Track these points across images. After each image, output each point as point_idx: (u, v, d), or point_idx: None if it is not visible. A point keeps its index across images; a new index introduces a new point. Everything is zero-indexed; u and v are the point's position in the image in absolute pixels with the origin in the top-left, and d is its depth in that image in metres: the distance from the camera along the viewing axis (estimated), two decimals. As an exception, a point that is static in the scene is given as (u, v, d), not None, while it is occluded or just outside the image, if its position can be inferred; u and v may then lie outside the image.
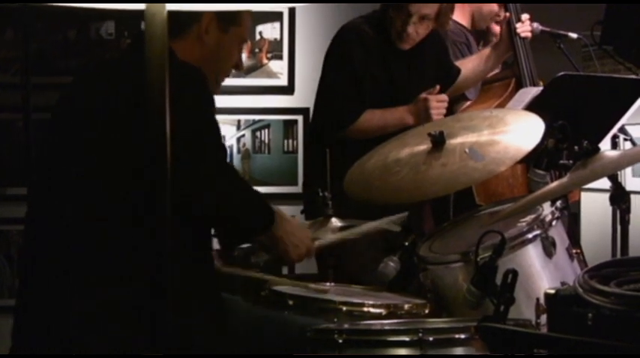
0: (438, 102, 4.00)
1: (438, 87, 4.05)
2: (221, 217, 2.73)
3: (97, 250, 2.54)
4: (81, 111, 2.68)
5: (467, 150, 3.02)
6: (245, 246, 3.77)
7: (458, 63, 4.49)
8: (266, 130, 5.63)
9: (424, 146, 3.13)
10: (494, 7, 4.81)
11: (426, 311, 2.88)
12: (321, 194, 3.36)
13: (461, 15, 4.78)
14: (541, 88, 4.04)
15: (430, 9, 4.05)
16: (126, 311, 2.48)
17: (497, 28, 4.82)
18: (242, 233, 2.88)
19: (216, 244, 3.03)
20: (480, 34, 4.95)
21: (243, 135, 5.59)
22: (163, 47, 1.64)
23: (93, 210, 2.56)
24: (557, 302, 2.30)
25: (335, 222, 3.37)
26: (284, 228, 2.85)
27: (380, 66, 4.12)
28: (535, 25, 4.52)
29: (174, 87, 2.43)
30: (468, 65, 4.49)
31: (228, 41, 2.79)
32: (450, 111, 4.29)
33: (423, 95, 4.01)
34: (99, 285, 2.52)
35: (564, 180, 2.90)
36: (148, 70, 1.63)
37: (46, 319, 2.56)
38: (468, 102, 4.56)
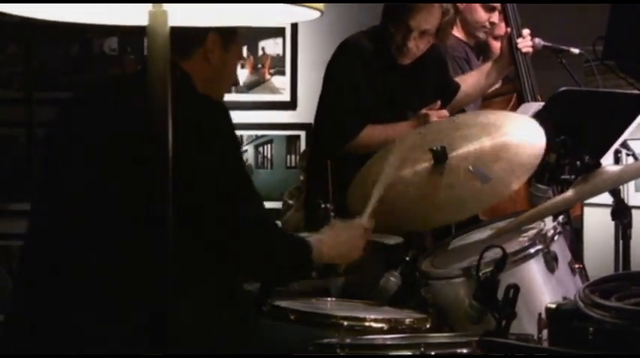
0: (438, 118, 4.00)
1: (439, 102, 4.06)
2: (263, 270, 2.83)
3: (99, 264, 2.56)
4: (86, 130, 2.70)
5: (471, 168, 3.03)
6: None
7: (458, 79, 4.50)
8: (269, 146, 5.65)
9: (426, 163, 3.14)
10: (481, 15, 4.81)
11: (428, 326, 2.88)
12: (323, 206, 3.37)
13: (458, 29, 4.79)
14: (542, 103, 4.04)
15: (430, 24, 4.06)
16: (126, 324, 2.49)
17: (496, 44, 4.82)
18: (285, 278, 3.01)
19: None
20: (479, 50, 4.95)
21: (246, 151, 5.60)
22: (165, 60, 1.65)
23: (98, 224, 2.58)
24: (558, 317, 2.30)
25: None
26: (324, 252, 2.89)
27: (380, 81, 4.13)
28: (537, 40, 4.53)
29: (202, 123, 2.49)
30: (469, 81, 4.50)
31: (229, 59, 2.91)
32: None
33: (424, 110, 4.02)
34: (101, 299, 2.54)
35: (566, 195, 2.90)
36: (150, 83, 1.64)
37: (44, 332, 2.57)
38: (469, 118, 4.57)
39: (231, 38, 2.89)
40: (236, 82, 3.07)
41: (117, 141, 2.60)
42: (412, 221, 3.18)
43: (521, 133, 3.16)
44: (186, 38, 2.77)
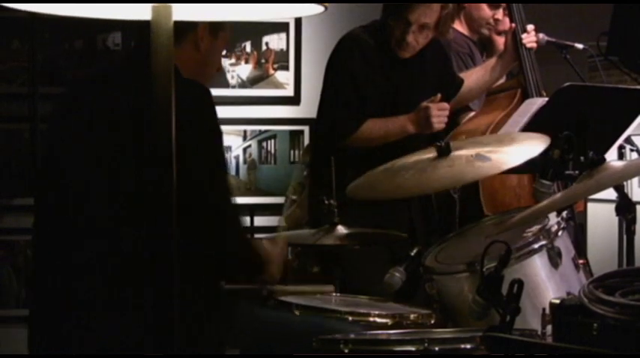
0: (439, 111, 4.00)
1: (439, 95, 4.06)
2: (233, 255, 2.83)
3: (105, 259, 2.57)
4: (83, 122, 2.71)
5: (473, 155, 3.02)
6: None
7: (462, 74, 4.50)
8: (272, 141, 5.64)
9: (430, 154, 3.14)
10: (486, 12, 4.80)
11: (432, 322, 2.88)
12: (326, 202, 3.37)
13: (461, 24, 4.79)
14: (547, 99, 4.03)
15: (429, 18, 4.05)
16: (136, 316, 2.50)
17: (499, 40, 4.81)
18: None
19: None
20: (482, 46, 4.95)
21: (250, 146, 5.60)
22: (169, 54, 1.65)
23: (100, 218, 2.58)
24: (562, 312, 2.30)
25: (341, 229, 3.38)
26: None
27: (381, 75, 4.13)
28: (541, 35, 4.52)
29: (186, 107, 2.49)
30: (473, 76, 4.49)
31: (217, 46, 2.93)
32: (454, 122, 4.29)
33: (425, 103, 4.02)
34: (109, 292, 2.55)
35: (570, 190, 2.90)
36: (154, 77, 1.64)
37: (62, 326, 2.59)
38: (472, 113, 4.56)
39: (220, 24, 2.89)
40: (219, 68, 3.06)
41: (115, 132, 2.61)
42: (409, 189, 3.15)
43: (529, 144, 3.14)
44: (177, 25, 2.75)
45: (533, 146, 3.03)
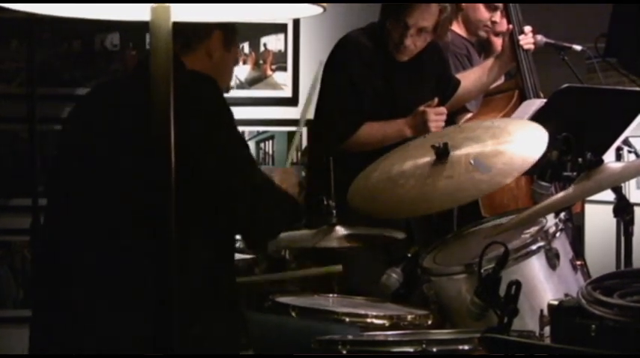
0: (436, 115, 3.99)
1: (436, 99, 4.05)
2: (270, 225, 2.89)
3: (108, 259, 2.58)
4: (95, 128, 2.73)
5: (472, 161, 3.02)
6: (248, 256, 3.79)
7: (460, 75, 4.49)
8: (270, 142, 5.64)
9: (428, 158, 3.13)
10: (483, 14, 4.80)
11: (429, 323, 2.89)
12: (325, 202, 3.37)
13: (459, 26, 4.79)
14: (545, 100, 4.04)
15: (428, 21, 4.05)
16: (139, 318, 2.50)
17: (497, 41, 4.81)
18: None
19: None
20: (480, 47, 4.95)
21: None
22: (168, 56, 1.65)
23: (106, 221, 2.60)
24: (560, 314, 2.30)
25: (339, 230, 3.38)
26: None
27: (378, 78, 4.12)
28: (539, 37, 4.52)
29: (193, 96, 2.51)
30: (470, 77, 4.49)
31: (228, 59, 2.99)
32: (451, 123, 4.28)
33: (422, 108, 4.00)
34: (110, 292, 2.56)
35: (568, 191, 2.90)
36: (153, 79, 1.64)
37: (65, 327, 2.60)
38: (469, 114, 4.56)
39: (233, 38, 2.95)
40: (228, 87, 3.12)
41: (127, 139, 2.63)
42: (410, 207, 3.16)
43: (526, 138, 3.14)
44: (192, 32, 2.79)
45: (531, 144, 3.04)
